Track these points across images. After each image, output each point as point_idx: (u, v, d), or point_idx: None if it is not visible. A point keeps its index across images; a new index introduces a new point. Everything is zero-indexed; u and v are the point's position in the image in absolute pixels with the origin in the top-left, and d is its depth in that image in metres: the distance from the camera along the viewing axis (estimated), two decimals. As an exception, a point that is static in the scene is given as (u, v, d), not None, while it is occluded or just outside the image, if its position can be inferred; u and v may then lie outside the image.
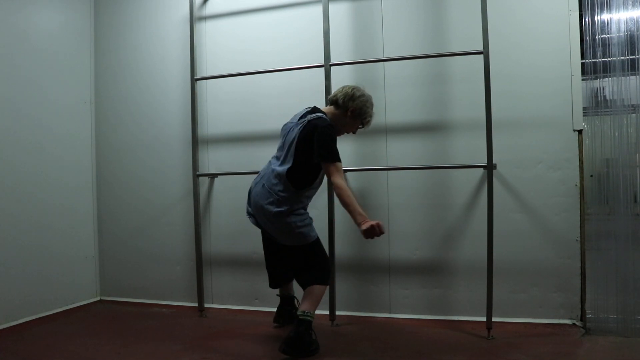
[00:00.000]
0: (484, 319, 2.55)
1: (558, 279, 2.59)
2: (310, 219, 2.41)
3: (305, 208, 2.41)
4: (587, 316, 2.56)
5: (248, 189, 2.53)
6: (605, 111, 2.60)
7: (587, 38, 2.57)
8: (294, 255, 2.42)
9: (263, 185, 2.36)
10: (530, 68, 2.64)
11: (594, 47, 2.56)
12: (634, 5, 2.52)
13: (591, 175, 2.68)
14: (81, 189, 3.40)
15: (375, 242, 2.87)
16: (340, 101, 2.39)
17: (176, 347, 2.48)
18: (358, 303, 2.92)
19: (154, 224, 3.36)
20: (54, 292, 3.12)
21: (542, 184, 2.62)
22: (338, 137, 2.36)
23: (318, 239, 2.42)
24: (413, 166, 2.78)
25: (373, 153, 2.89)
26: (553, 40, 2.60)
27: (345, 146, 2.78)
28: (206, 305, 3.14)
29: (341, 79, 2.82)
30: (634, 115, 2.55)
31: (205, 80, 3.20)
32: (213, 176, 3.21)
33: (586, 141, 2.61)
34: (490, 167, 2.53)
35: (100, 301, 3.45)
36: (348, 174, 2.90)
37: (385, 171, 2.85)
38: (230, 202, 3.16)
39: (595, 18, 2.56)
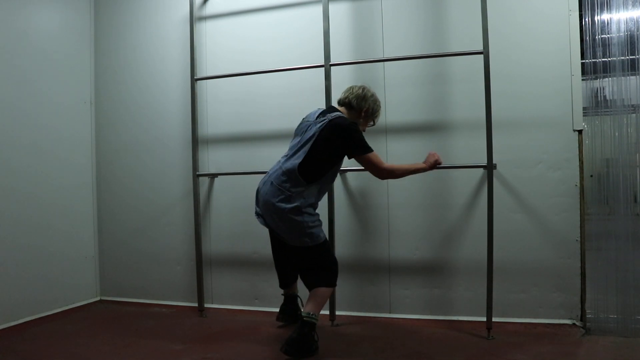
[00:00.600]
0: (484, 319, 2.55)
1: (558, 279, 2.59)
2: (320, 221, 2.40)
3: (315, 208, 2.40)
4: (587, 316, 2.56)
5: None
6: (605, 111, 2.60)
7: (587, 38, 2.57)
8: (301, 256, 2.40)
9: (272, 183, 2.34)
10: (530, 68, 2.64)
11: (594, 47, 2.56)
12: (634, 5, 2.52)
13: (591, 175, 2.68)
14: (81, 189, 3.40)
15: (375, 242, 2.89)
16: (354, 102, 2.43)
17: (176, 347, 2.48)
18: (358, 303, 2.92)
19: (154, 224, 3.36)
20: (54, 292, 3.12)
21: (542, 184, 2.62)
22: None
23: (327, 240, 2.42)
24: (413, 166, 2.77)
25: (373, 153, 2.89)
26: (553, 40, 2.60)
27: (345, 146, 2.78)
28: (206, 305, 3.14)
29: (341, 79, 2.82)
30: (634, 115, 2.55)
31: (205, 80, 3.21)
32: (213, 176, 3.21)
33: (586, 141, 2.61)
34: (490, 167, 2.53)
35: (100, 301, 3.45)
36: (348, 174, 2.91)
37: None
38: (230, 202, 3.16)
39: (595, 18, 2.56)
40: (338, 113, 2.39)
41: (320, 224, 2.39)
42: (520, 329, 2.60)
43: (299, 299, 2.75)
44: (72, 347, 2.52)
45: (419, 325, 2.73)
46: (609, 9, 2.55)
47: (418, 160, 2.45)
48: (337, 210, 2.84)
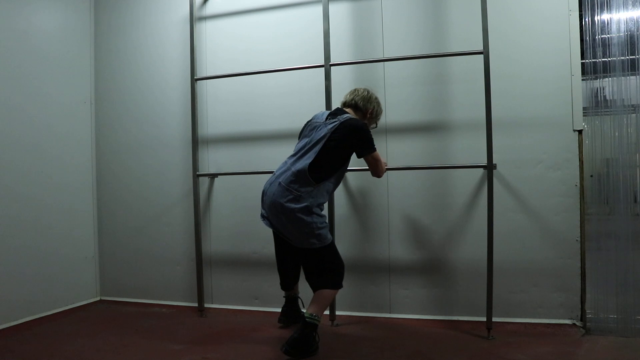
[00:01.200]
0: (484, 319, 2.55)
1: (558, 279, 2.59)
2: (327, 222, 2.42)
3: (322, 208, 2.40)
4: (587, 316, 2.56)
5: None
6: (605, 111, 2.60)
7: (587, 38, 2.57)
8: (308, 259, 2.38)
9: (279, 183, 2.32)
10: (530, 68, 2.64)
11: (594, 47, 2.56)
12: (634, 5, 2.52)
13: (591, 175, 2.68)
14: (81, 189, 3.40)
15: (375, 242, 2.89)
16: (360, 104, 2.48)
17: (176, 347, 2.48)
18: (358, 303, 2.92)
19: (154, 224, 3.36)
20: (54, 292, 3.12)
21: (542, 184, 2.62)
22: None
23: (333, 241, 2.43)
24: (413, 166, 2.77)
25: (373, 153, 2.89)
26: (553, 40, 2.60)
27: (345, 146, 2.78)
28: (206, 305, 3.14)
29: (341, 79, 2.83)
30: (634, 115, 2.55)
31: (205, 80, 3.21)
32: (213, 176, 3.21)
33: (586, 141, 2.61)
34: (490, 167, 2.53)
35: (100, 301, 3.45)
36: (348, 174, 2.91)
37: (385, 171, 2.85)
38: (230, 202, 3.16)
39: (595, 18, 2.56)
40: (349, 115, 2.42)
41: (327, 226, 2.40)
42: (520, 329, 2.60)
43: (300, 300, 2.75)
44: (72, 347, 2.52)
45: (419, 325, 2.73)
46: (609, 9, 2.55)
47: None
48: (337, 210, 2.84)
